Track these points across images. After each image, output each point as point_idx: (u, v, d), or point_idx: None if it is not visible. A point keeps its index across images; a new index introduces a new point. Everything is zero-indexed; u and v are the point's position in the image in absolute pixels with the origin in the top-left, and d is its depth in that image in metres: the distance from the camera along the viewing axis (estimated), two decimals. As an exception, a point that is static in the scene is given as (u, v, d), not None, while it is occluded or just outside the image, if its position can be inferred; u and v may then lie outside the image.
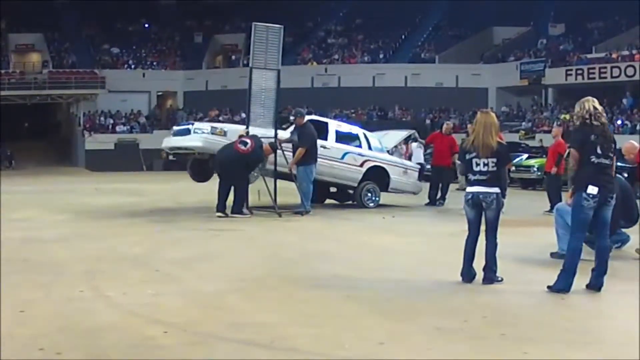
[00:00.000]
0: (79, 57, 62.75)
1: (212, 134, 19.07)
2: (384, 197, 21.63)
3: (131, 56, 65.45)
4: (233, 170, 17.91)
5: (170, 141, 20.27)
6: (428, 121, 54.95)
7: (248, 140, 18.17)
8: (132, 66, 64.32)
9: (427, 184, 23.11)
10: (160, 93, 64.00)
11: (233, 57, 65.98)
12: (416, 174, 22.42)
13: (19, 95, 57.81)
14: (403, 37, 65.51)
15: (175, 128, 21.19)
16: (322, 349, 7.08)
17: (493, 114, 10.56)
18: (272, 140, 18.66)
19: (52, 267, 11.30)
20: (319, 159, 19.23)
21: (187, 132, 19.63)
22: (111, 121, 59.06)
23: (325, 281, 10.44)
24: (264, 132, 18.66)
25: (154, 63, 65.40)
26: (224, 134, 19.00)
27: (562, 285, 9.52)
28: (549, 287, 9.61)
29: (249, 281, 10.37)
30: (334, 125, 21.29)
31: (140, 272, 11.05)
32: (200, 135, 19.18)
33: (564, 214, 12.15)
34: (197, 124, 20.17)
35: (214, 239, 14.89)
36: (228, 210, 18.01)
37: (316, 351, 7.02)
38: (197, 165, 20.21)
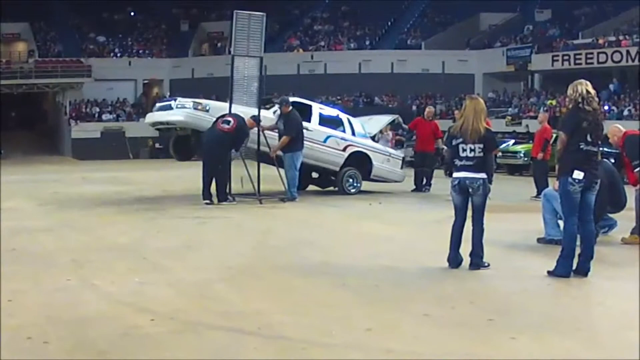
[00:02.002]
0: (65, 46, 62.56)
1: (195, 109, 19.25)
2: (370, 184, 21.66)
3: (117, 44, 65.26)
4: (218, 152, 17.96)
5: (154, 116, 20.41)
6: (414, 107, 54.87)
7: (230, 119, 18.22)
8: (118, 54, 64.14)
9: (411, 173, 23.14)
10: (146, 81, 63.82)
11: (219, 44, 65.80)
12: (400, 162, 22.34)
13: (6, 85, 57.59)
14: (389, 23, 65.45)
15: (158, 104, 21.26)
16: (310, 336, 7.09)
17: (481, 100, 10.58)
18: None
19: (40, 257, 11.28)
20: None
21: (169, 107, 19.73)
22: (97, 110, 58.92)
23: (312, 269, 10.46)
24: (246, 110, 18.69)
25: (140, 51, 65.25)
26: (206, 109, 19.08)
27: (562, 271, 9.55)
28: (549, 272, 9.64)
29: (237, 269, 10.38)
30: (317, 108, 21.19)
31: (128, 261, 11.04)
32: (182, 110, 19.42)
33: (551, 199, 12.19)
34: (179, 99, 20.16)
35: (201, 227, 14.88)
36: (215, 199, 18.04)
37: (303, 338, 7.02)
38: (180, 143, 20.32)
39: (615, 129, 13.14)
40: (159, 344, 6.90)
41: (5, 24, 62.01)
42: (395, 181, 22.24)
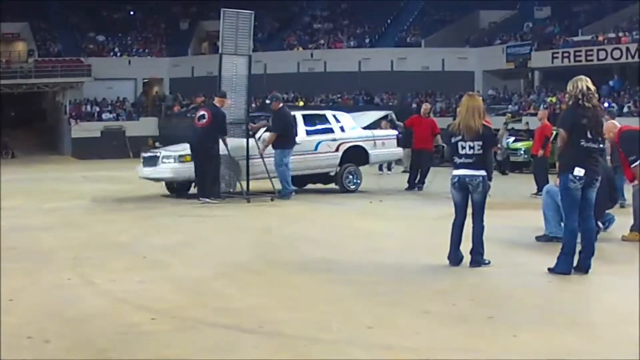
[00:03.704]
0: (64, 45, 62.53)
1: (180, 162, 19.18)
2: (368, 182, 21.65)
3: (117, 43, 65.25)
4: (204, 149, 18.02)
5: (143, 172, 20.28)
6: (414, 105, 54.71)
7: (204, 112, 18.27)
8: (118, 54, 64.10)
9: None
10: (146, 80, 63.85)
11: (218, 43, 65.81)
12: (394, 142, 22.59)
13: (6, 85, 57.57)
14: (389, 21, 65.39)
15: (143, 155, 21.07)
16: (309, 333, 7.08)
17: (479, 97, 10.56)
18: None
19: (40, 255, 11.29)
20: (292, 157, 19.22)
21: (155, 160, 19.71)
22: (97, 109, 58.91)
23: (311, 265, 10.46)
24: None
25: (140, 50, 65.24)
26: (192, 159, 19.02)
27: (563, 268, 9.52)
28: (549, 269, 9.62)
29: (236, 266, 10.38)
30: (300, 118, 20.88)
31: (127, 259, 11.05)
32: (168, 166, 19.42)
33: (554, 195, 12.11)
34: (164, 152, 20.04)
35: (199, 225, 14.88)
36: (213, 198, 18.02)
37: (303, 335, 7.02)
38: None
39: (611, 125, 13.11)
40: (159, 342, 6.90)
41: (5, 23, 61.95)
42: (397, 160, 22.44)
